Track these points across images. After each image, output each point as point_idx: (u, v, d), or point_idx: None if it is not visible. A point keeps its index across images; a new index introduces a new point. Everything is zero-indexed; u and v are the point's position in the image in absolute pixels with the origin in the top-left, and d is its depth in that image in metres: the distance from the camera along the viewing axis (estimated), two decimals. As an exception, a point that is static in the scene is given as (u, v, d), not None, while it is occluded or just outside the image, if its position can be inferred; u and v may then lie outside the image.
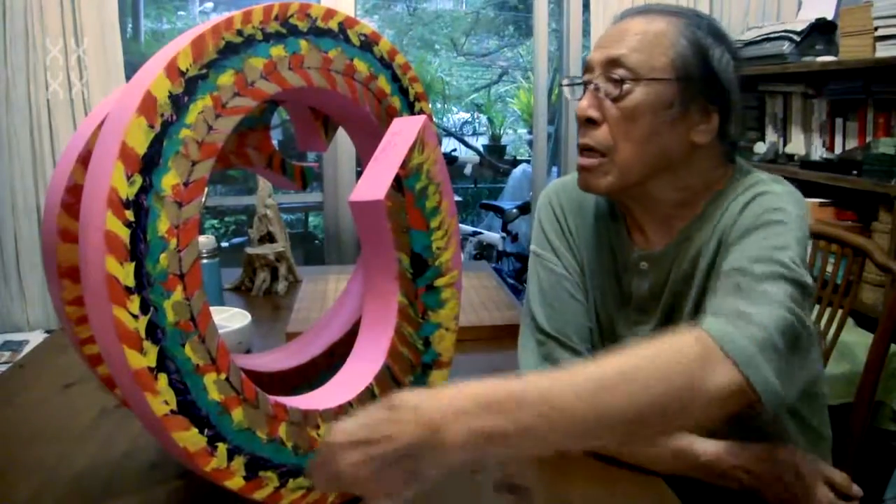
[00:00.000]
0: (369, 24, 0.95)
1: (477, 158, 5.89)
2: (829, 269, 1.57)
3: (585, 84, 1.00)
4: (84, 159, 0.85)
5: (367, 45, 0.94)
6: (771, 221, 0.91)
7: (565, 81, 1.07)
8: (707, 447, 0.94)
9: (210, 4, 5.68)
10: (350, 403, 0.89)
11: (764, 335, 0.78)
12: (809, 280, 0.86)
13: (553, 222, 1.13)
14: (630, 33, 0.97)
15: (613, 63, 0.96)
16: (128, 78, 2.46)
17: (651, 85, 0.95)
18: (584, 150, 1.00)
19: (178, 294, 0.75)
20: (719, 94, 0.97)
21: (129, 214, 0.72)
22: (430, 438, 0.65)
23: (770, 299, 0.82)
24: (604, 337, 1.10)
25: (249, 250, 1.85)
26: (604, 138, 0.97)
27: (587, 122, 0.98)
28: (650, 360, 0.74)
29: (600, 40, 1.00)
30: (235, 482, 0.79)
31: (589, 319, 1.09)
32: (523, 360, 1.09)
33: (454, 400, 0.67)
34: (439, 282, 0.96)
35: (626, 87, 0.95)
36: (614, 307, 1.09)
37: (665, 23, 0.97)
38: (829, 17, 2.56)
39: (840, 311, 1.48)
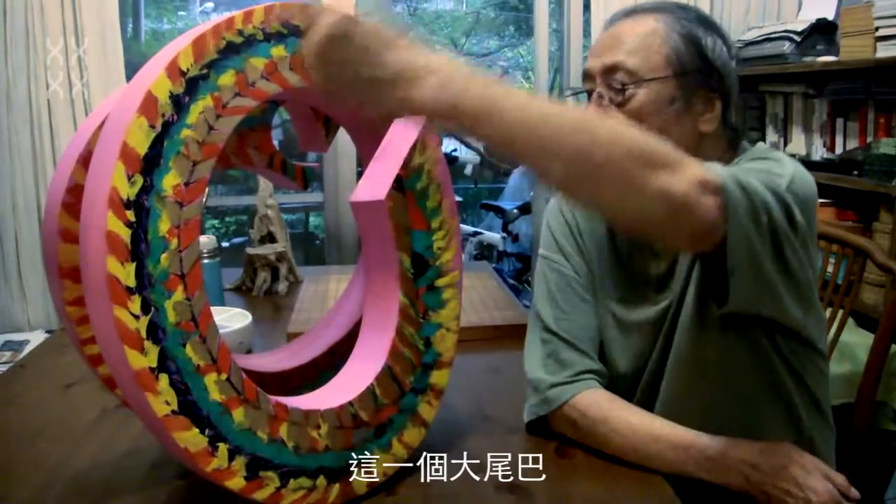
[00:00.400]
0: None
1: (477, 158, 5.87)
2: (830, 269, 1.57)
3: (588, 93, 1.02)
4: (85, 160, 0.85)
5: (368, 45, 0.94)
6: (768, 158, 0.95)
7: (568, 93, 1.08)
8: (711, 442, 0.94)
9: (210, 4, 5.68)
10: (351, 403, 0.89)
11: (740, 182, 0.82)
12: (795, 210, 0.88)
13: (563, 226, 1.15)
14: (622, 37, 0.99)
15: (611, 70, 0.98)
16: (128, 78, 2.47)
17: (651, 85, 0.97)
18: None
19: (179, 294, 0.75)
20: (718, 81, 0.99)
21: (130, 215, 0.72)
22: (411, 78, 0.71)
23: (753, 185, 0.84)
24: (618, 321, 1.10)
25: (250, 250, 1.85)
26: None
27: None
28: (635, 131, 0.77)
29: (594, 48, 1.03)
30: (236, 482, 0.79)
31: (596, 319, 1.10)
32: (528, 359, 1.10)
33: (455, 66, 0.73)
34: (440, 282, 0.96)
35: (628, 91, 0.97)
36: (631, 291, 1.10)
37: (654, 21, 0.99)
38: (830, 17, 2.56)
39: (841, 312, 1.48)
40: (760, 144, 1.05)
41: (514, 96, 0.73)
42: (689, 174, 0.76)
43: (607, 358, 1.11)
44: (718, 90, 0.99)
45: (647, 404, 1.04)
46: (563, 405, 1.01)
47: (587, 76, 1.02)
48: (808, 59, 2.49)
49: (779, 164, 0.93)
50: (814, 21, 2.52)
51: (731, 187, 0.80)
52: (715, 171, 0.80)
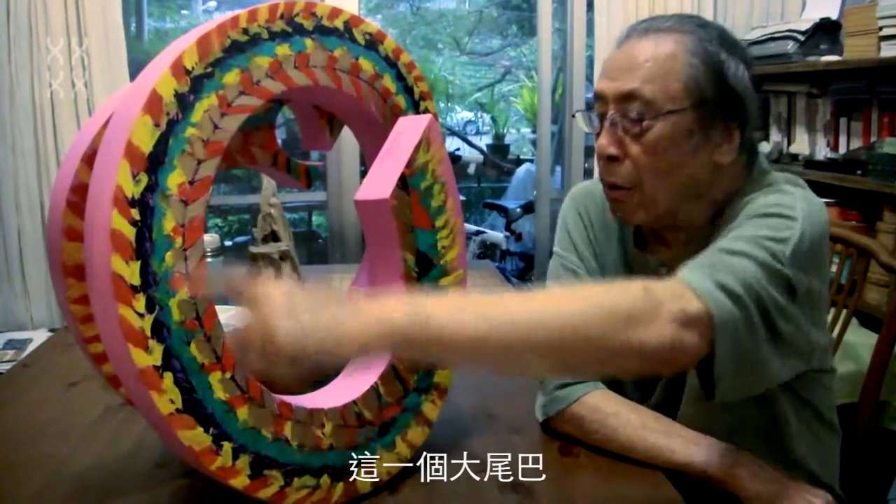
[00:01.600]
0: (373, 24, 0.95)
1: (480, 158, 5.88)
2: (834, 269, 1.56)
3: (600, 115, 0.97)
4: (89, 158, 0.85)
5: (373, 43, 0.94)
6: (774, 214, 0.89)
7: (577, 112, 1.04)
8: (722, 443, 0.95)
9: (213, 3, 5.68)
10: (355, 402, 0.89)
11: (729, 289, 0.79)
12: (797, 280, 0.85)
13: (580, 228, 1.13)
14: (639, 60, 0.93)
15: (628, 97, 0.93)
16: (132, 77, 2.47)
17: (669, 118, 0.92)
18: (611, 186, 0.99)
19: (183, 293, 0.75)
20: (737, 108, 0.94)
21: (135, 213, 0.72)
22: (333, 351, 0.67)
23: (736, 271, 0.81)
24: None
25: (253, 249, 1.84)
26: (628, 174, 0.96)
27: (609, 159, 0.96)
28: (598, 295, 0.75)
29: (609, 69, 0.97)
30: (240, 481, 0.79)
31: None
32: None
33: (367, 324, 0.68)
34: (444, 281, 0.96)
35: (644, 123, 0.92)
36: None
37: (672, 43, 0.93)
38: (834, 16, 2.56)
39: (844, 311, 1.48)
40: (774, 175, 0.99)
41: (470, 306, 0.71)
42: (665, 318, 0.73)
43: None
44: (737, 118, 0.94)
45: None
46: (572, 404, 1.01)
47: (600, 98, 0.97)
48: (812, 58, 2.48)
49: (787, 222, 0.87)
50: (817, 20, 2.51)
51: (716, 307, 0.77)
52: (696, 292, 0.77)
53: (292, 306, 0.67)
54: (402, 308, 0.68)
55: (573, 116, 1.03)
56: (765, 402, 1.00)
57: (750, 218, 0.90)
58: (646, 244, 1.09)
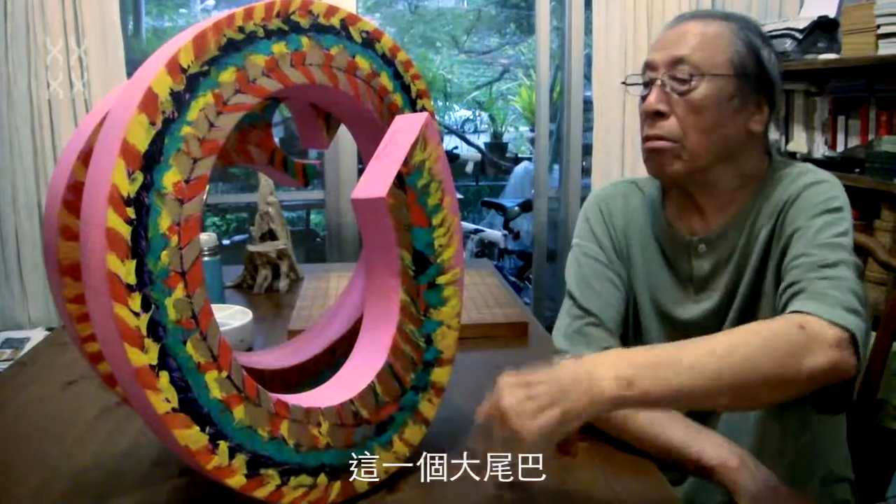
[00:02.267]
0: (371, 22, 0.95)
1: (478, 156, 5.89)
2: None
3: (648, 81, 1.08)
4: (85, 156, 0.84)
5: (369, 42, 0.94)
6: (831, 209, 1.01)
7: (629, 80, 1.15)
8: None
9: (211, 2, 5.67)
10: (352, 401, 0.89)
11: (853, 308, 0.90)
12: (858, 261, 0.99)
13: (601, 223, 1.21)
14: (689, 35, 1.06)
15: (678, 61, 1.05)
16: (129, 75, 2.46)
17: (714, 80, 1.04)
18: (654, 139, 1.08)
19: (179, 291, 0.75)
20: (769, 88, 1.08)
21: (131, 212, 0.71)
22: (563, 430, 0.79)
23: (846, 284, 0.92)
24: (662, 320, 1.17)
25: (251, 248, 1.84)
26: (673, 129, 1.06)
27: (656, 115, 1.06)
28: (762, 333, 0.86)
29: (659, 43, 1.10)
30: (237, 480, 0.79)
31: (624, 304, 1.17)
32: (556, 333, 1.17)
33: (585, 396, 0.79)
34: (441, 279, 0.96)
35: (692, 82, 1.04)
36: (672, 290, 1.16)
37: (719, 26, 1.07)
38: (832, 14, 2.56)
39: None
40: (796, 164, 1.11)
41: (663, 361, 0.82)
42: (825, 345, 0.84)
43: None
44: (768, 96, 1.08)
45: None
46: None
47: (649, 67, 1.09)
48: (810, 56, 2.49)
49: (839, 213, 1.00)
50: (815, 19, 2.51)
51: (855, 328, 0.87)
52: (836, 323, 0.86)
53: (525, 408, 0.79)
54: (608, 375, 0.79)
55: (623, 84, 1.18)
56: None
57: (810, 218, 1.01)
58: (666, 222, 1.17)
